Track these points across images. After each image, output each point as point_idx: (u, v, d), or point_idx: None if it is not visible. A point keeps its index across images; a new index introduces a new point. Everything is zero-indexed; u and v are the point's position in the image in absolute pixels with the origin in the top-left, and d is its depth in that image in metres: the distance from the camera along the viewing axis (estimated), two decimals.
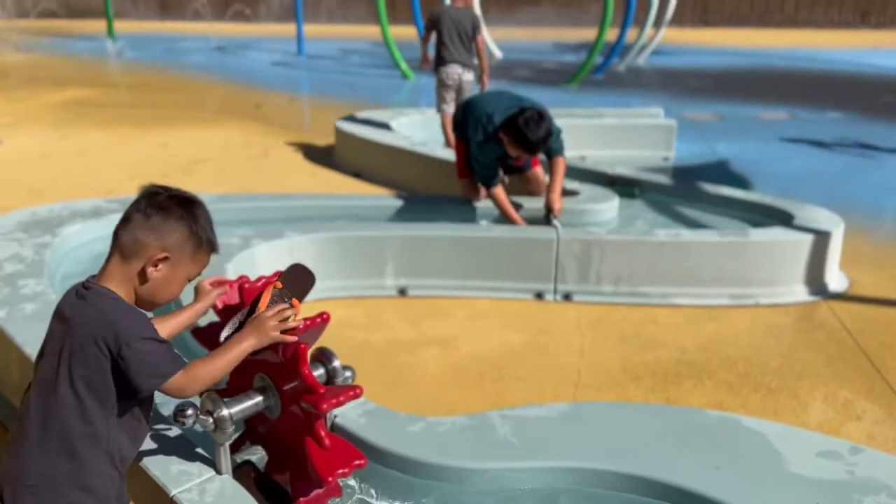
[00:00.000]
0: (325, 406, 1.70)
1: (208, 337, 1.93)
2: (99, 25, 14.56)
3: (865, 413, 2.64)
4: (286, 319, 1.72)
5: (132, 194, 4.79)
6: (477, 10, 5.73)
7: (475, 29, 5.67)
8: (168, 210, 1.58)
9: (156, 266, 1.56)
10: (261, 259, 3.33)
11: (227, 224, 3.79)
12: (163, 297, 1.62)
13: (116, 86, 10.15)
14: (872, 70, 11.10)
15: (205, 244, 1.63)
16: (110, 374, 1.51)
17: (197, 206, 1.63)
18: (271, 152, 6.30)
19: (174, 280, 1.61)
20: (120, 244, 1.56)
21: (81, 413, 1.51)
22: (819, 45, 13.95)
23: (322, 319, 1.83)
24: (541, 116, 3.75)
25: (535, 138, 3.74)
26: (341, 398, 1.76)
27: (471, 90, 5.63)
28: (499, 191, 3.97)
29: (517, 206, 4.06)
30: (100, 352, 1.49)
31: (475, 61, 5.68)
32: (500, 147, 3.89)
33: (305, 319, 1.78)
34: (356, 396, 1.79)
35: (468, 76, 5.65)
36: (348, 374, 1.87)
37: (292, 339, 1.72)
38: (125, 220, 1.58)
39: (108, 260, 1.58)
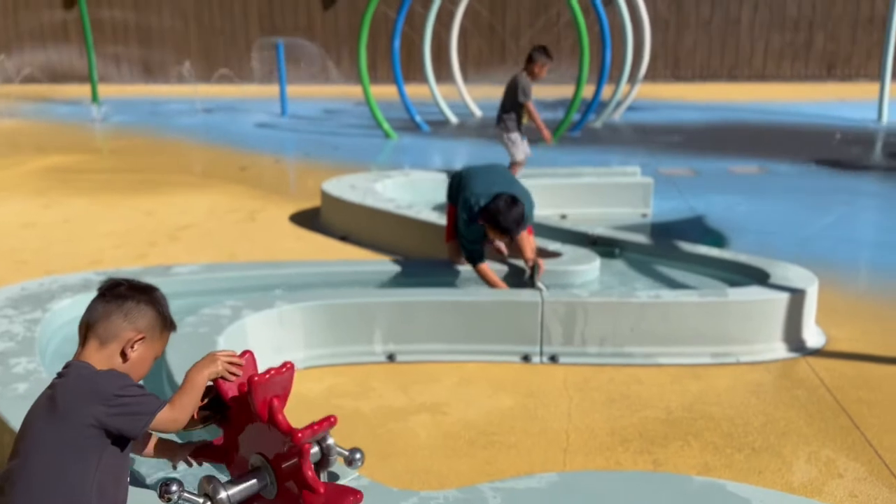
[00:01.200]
0: (299, 435, 1.74)
1: None
2: (83, 90, 14.74)
3: (847, 471, 2.70)
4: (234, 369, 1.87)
5: (119, 264, 4.84)
6: (523, 78, 6.43)
7: (513, 92, 6.37)
8: (135, 297, 1.81)
9: (133, 347, 1.78)
10: (252, 331, 3.37)
11: (217, 294, 3.86)
12: (136, 375, 1.81)
13: (100, 151, 10.24)
14: (839, 122, 11.48)
15: (168, 323, 1.88)
16: (96, 435, 1.65)
17: (156, 292, 1.87)
18: (257, 216, 6.38)
19: (147, 358, 1.83)
20: (96, 331, 1.77)
21: (67, 482, 1.62)
22: (787, 98, 14.42)
23: (329, 423, 1.86)
24: (513, 201, 3.97)
25: (507, 223, 3.97)
26: (315, 427, 1.80)
27: (508, 144, 6.45)
28: (484, 266, 4.10)
29: (501, 272, 4.18)
30: (87, 413, 1.64)
31: (507, 120, 6.45)
32: (483, 228, 4.10)
33: (314, 423, 1.82)
34: (331, 425, 1.83)
35: (501, 133, 6.49)
36: (358, 456, 1.90)
37: (238, 371, 1.85)
38: (95, 311, 1.79)
39: (83, 347, 1.78)
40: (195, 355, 2.91)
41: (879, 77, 11.54)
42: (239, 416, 1.88)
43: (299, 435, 1.75)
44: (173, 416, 1.73)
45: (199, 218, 6.30)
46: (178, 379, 2.76)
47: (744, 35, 16.91)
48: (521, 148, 6.45)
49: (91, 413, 1.64)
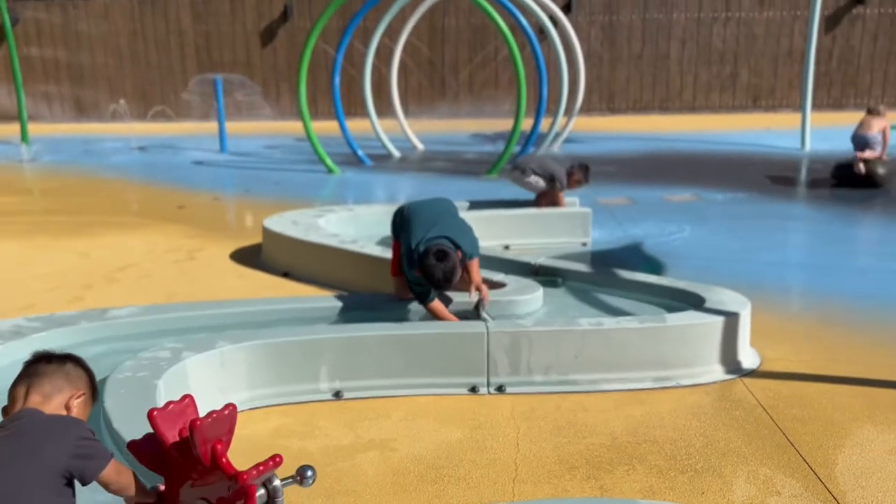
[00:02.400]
0: (244, 476, 1.73)
1: (144, 450, 1.90)
2: (12, 129, 14.29)
3: (784, 488, 2.79)
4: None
5: (53, 308, 4.69)
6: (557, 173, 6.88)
7: (551, 173, 6.78)
8: (71, 361, 1.99)
9: (74, 403, 1.91)
10: (193, 373, 3.29)
11: (156, 336, 3.77)
12: None
13: (31, 192, 9.93)
14: (766, 150, 12.00)
15: (96, 392, 2.04)
16: (56, 474, 1.71)
17: (85, 361, 2.05)
18: (197, 255, 6.27)
19: (83, 417, 1.93)
20: (40, 388, 1.88)
21: None
22: (716, 128, 15.00)
23: (274, 463, 1.83)
24: (442, 255, 3.98)
25: (436, 279, 3.98)
26: (261, 468, 1.78)
27: (528, 185, 6.84)
28: (434, 304, 4.12)
29: (447, 301, 4.20)
30: (53, 450, 1.71)
31: (527, 170, 6.86)
32: None
33: (259, 464, 1.78)
34: (276, 465, 1.81)
35: (519, 176, 6.92)
36: (309, 473, 1.87)
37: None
38: (36, 371, 1.92)
39: (24, 402, 1.86)
40: (133, 400, 2.84)
41: (801, 107, 12.15)
42: (180, 467, 1.84)
43: (244, 476, 1.73)
44: (119, 469, 1.82)
45: (137, 259, 6.16)
46: (117, 425, 2.68)
47: (674, 69, 17.60)
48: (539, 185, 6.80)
49: (59, 449, 1.71)
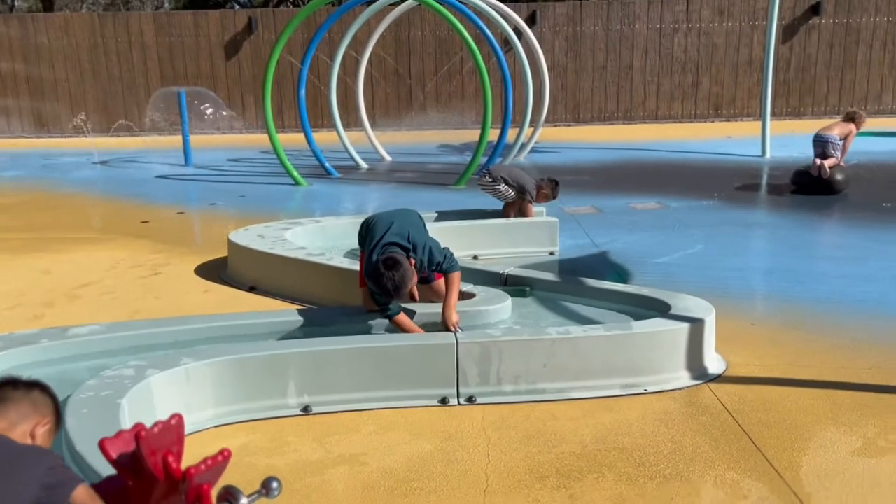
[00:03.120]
0: (193, 472, 1.71)
1: (105, 489, 1.88)
2: None
3: (751, 492, 2.83)
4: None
5: (12, 327, 4.58)
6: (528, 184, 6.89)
7: (522, 186, 6.83)
8: (37, 389, 2.00)
9: (39, 430, 1.93)
10: (157, 391, 3.24)
11: (119, 354, 3.71)
12: None
13: None
14: (727, 158, 12.23)
15: (61, 420, 2.06)
16: (27, 501, 1.70)
17: (51, 389, 2.06)
18: (162, 270, 6.17)
19: (48, 444, 1.94)
20: (5, 414, 1.89)
21: None
22: (679, 137, 15.26)
23: (223, 457, 1.82)
24: (391, 264, 3.94)
25: (387, 290, 3.95)
26: (209, 461, 1.76)
27: (498, 193, 6.87)
28: (400, 317, 4.10)
29: (411, 314, 4.20)
30: (24, 478, 1.70)
31: (496, 177, 6.87)
32: None
33: (206, 458, 1.78)
34: (225, 459, 1.79)
35: (491, 185, 6.89)
36: (274, 485, 1.85)
37: None
38: (3, 396, 1.93)
39: None
40: (96, 420, 2.79)
41: (760, 116, 12.40)
42: (141, 494, 1.81)
43: (192, 472, 1.71)
44: (91, 495, 1.78)
45: (100, 275, 6.04)
46: (79, 447, 2.62)
47: (637, 79, 17.86)
48: (508, 194, 6.83)
49: (32, 479, 1.70)
